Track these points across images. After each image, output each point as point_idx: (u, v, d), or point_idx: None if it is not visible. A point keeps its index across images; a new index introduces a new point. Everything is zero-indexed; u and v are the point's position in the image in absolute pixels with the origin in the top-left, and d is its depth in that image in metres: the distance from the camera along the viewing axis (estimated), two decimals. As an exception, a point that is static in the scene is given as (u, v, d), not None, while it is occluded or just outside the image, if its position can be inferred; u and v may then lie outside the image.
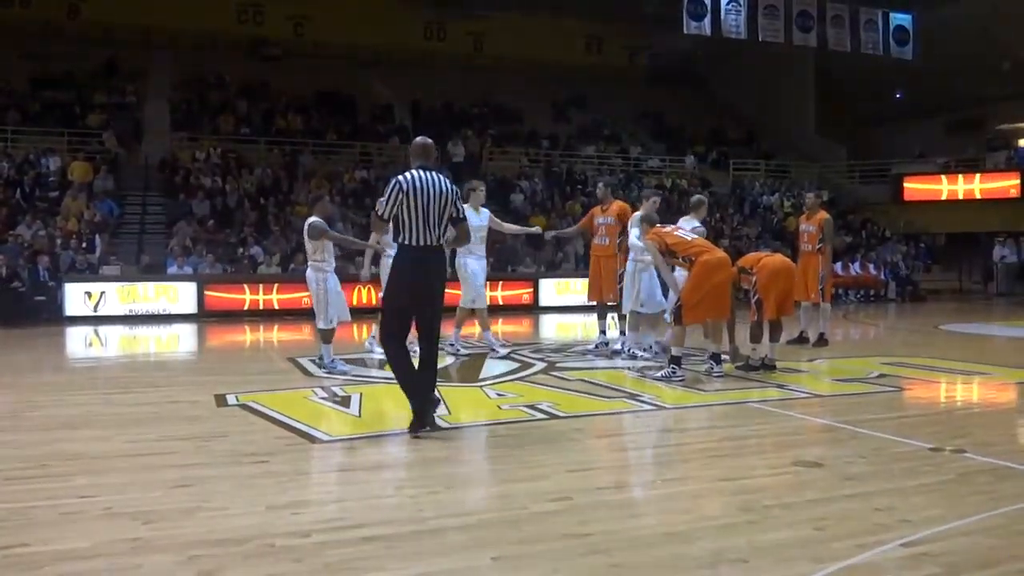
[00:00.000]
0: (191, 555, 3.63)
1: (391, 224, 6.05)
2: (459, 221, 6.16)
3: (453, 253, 9.61)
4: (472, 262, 10.34)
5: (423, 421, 5.93)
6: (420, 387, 6.00)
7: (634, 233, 9.93)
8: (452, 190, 6.06)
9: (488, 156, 27.57)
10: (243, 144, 24.77)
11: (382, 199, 6.20)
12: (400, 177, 5.97)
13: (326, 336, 9.30)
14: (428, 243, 5.95)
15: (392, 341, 6.12)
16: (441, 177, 6.07)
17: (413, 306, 6.06)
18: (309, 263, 9.29)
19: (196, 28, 29.36)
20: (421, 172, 6.01)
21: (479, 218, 10.24)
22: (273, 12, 31.49)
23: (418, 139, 6.37)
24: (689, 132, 33.22)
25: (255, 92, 27.96)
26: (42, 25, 27.87)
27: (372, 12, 31.11)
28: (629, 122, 33.63)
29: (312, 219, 9.18)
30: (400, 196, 5.90)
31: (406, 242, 5.96)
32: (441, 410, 6.72)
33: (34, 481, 4.86)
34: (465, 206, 9.07)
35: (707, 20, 23.99)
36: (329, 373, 8.96)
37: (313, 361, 9.69)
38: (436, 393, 6.21)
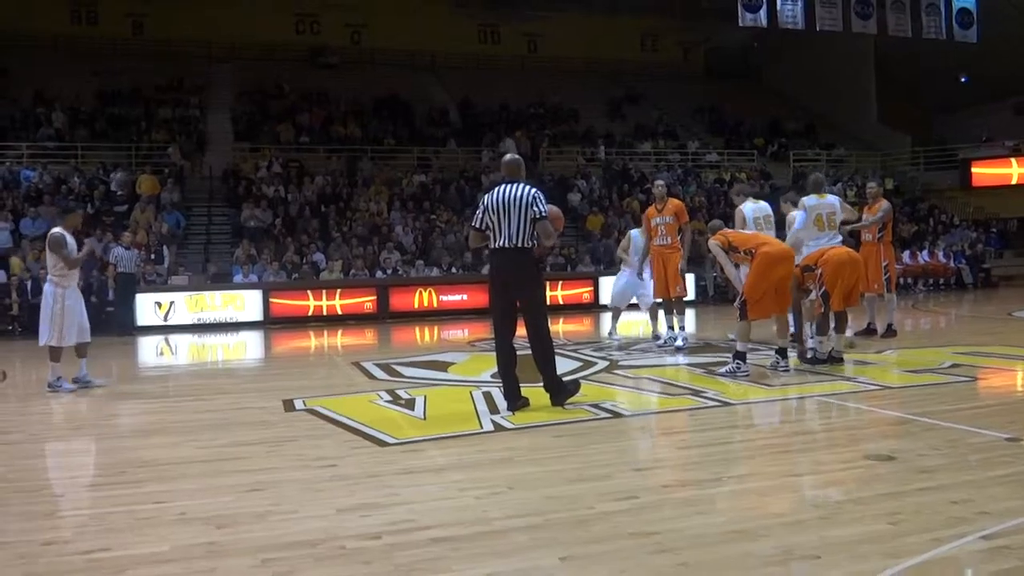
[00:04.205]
0: (264, 558, 3.69)
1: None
2: (538, 220, 6.70)
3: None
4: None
5: (513, 406, 6.79)
6: (514, 377, 6.86)
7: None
8: (528, 194, 6.72)
9: (546, 156, 27.57)
10: (303, 152, 25.15)
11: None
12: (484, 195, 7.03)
13: (54, 355, 8.84)
14: (507, 245, 6.74)
15: (495, 335, 7.02)
16: (518, 185, 6.81)
17: (504, 301, 6.90)
18: (49, 277, 8.95)
19: (255, 40, 29.98)
20: (502, 186, 6.89)
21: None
22: (330, 21, 31.98)
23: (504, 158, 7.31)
24: (747, 126, 32.83)
25: (314, 100, 28.37)
26: (108, 42, 28.69)
27: (427, 17, 31.40)
28: (686, 117, 33.35)
29: (55, 230, 8.91)
30: (481, 209, 6.91)
31: (492, 246, 6.88)
32: (504, 411, 6.78)
33: (111, 488, 5.00)
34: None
35: (763, 12, 23.64)
36: (54, 391, 8.72)
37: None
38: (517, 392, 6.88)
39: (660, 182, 11.62)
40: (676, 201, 11.11)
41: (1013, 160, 28.99)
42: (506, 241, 6.73)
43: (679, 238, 10.80)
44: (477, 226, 6.95)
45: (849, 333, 10.37)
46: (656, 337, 11.23)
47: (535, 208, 6.67)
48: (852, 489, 4.48)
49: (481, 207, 6.92)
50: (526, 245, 6.74)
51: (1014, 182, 28.74)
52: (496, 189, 6.91)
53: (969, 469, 4.81)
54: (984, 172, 29.34)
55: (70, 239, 8.97)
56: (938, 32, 25.10)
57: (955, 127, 33.01)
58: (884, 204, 11.60)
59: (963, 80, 32.72)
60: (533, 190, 6.77)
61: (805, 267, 8.95)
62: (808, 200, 9.38)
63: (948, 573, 3.45)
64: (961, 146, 30.69)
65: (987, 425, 5.84)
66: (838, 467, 5.01)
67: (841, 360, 8.91)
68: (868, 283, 11.16)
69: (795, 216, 10.53)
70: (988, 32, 25.47)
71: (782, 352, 8.64)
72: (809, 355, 9.03)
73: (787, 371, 8.48)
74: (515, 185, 6.81)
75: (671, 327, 11.04)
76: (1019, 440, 5.41)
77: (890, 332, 11.29)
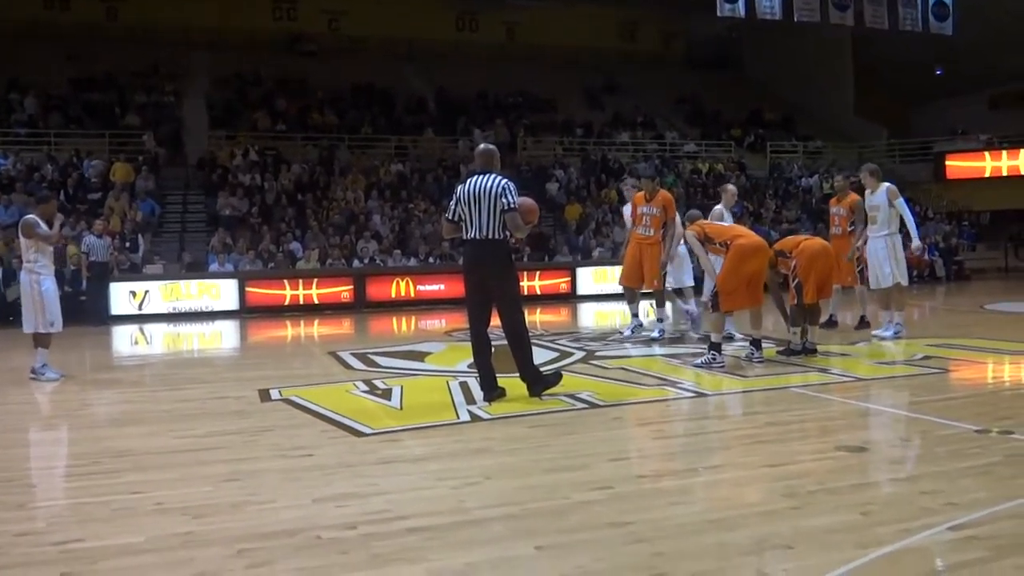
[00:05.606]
0: (241, 548, 3.69)
1: None
2: (506, 212, 6.70)
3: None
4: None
5: (489, 396, 6.83)
6: (490, 367, 6.89)
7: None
8: (498, 186, 6.72)
9: (523, 146, 27.55)
10: (280, 140, 24.98)
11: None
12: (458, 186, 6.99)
13: (42, 341, 8.89)
14: (478, 237, 6.74)
15: (470, 326, 7.02)
16: (489, 176, 6.80)
17: (478, 293, 6.90)
18: (24, 265, 9.00)
19: (233, 26, 29.68)
20: (475, 177, 6.87)
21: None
22: (308, 8, 31.77)
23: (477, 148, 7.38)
24: (726, 116, 32.92)
25: (291, 88, 28.16)
26: (82, 27, 28.29)
27: (405, 4, 31.26)
28: (665, 107, 33.39)
29: (28, 216, 8.94)
30: (454, 200, 6.90)
31: (464, 237, 6.85)
32: (481, 401, 6.79)
33: (87, 478, 4.97)
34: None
35: (741, 2, 23.62)
36: (36, 378, 8.74)
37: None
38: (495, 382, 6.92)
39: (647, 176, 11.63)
40: (666, 194, 10.91)
41: (987, 154, 29.29)
42: (477, 232, 6.75)
43: (662, 232, 10.71)
44: (450, 217, 6.97)
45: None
46: (640, 324, 11.19)
47: (504, 199, 6.67)
48: (824, 480, 4.54)
49: (454, 198, 6.93)
50: (497, 236, 6.75)
51: (987, 175, 29.04)
52: (469, 180, 6.92)
53: (938, 460, 4.88)
54: (958, 165, 29.63)
55: (43, 224, 8.92)
56: (914, 24, 25.22)
57: (930, 120, 33.27)
58: (857, 202, 11.54)
59: (938, 73, 32.97)
60: (503, 181, 6.77)
61: (780, 252, 9.03)
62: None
63: (917, 563, 3.50)
64: (936, 139, 30.95)
65: (957, 417, 5.92)
66: (811, 458, 5.07)
67: (815, 351, 8.99)
68: (841, 276, 11.22)
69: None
70: (964, 25, 25.64)
71: (756, 343, 8.72)
72: (782, 347, 9.12)
73: (761, 362, 8.55)
74: (487, 176, 6.82)
75: (636, 315, 11.12)
76: (988, 432, 5.49)
77: (863, 324, 11.38)
